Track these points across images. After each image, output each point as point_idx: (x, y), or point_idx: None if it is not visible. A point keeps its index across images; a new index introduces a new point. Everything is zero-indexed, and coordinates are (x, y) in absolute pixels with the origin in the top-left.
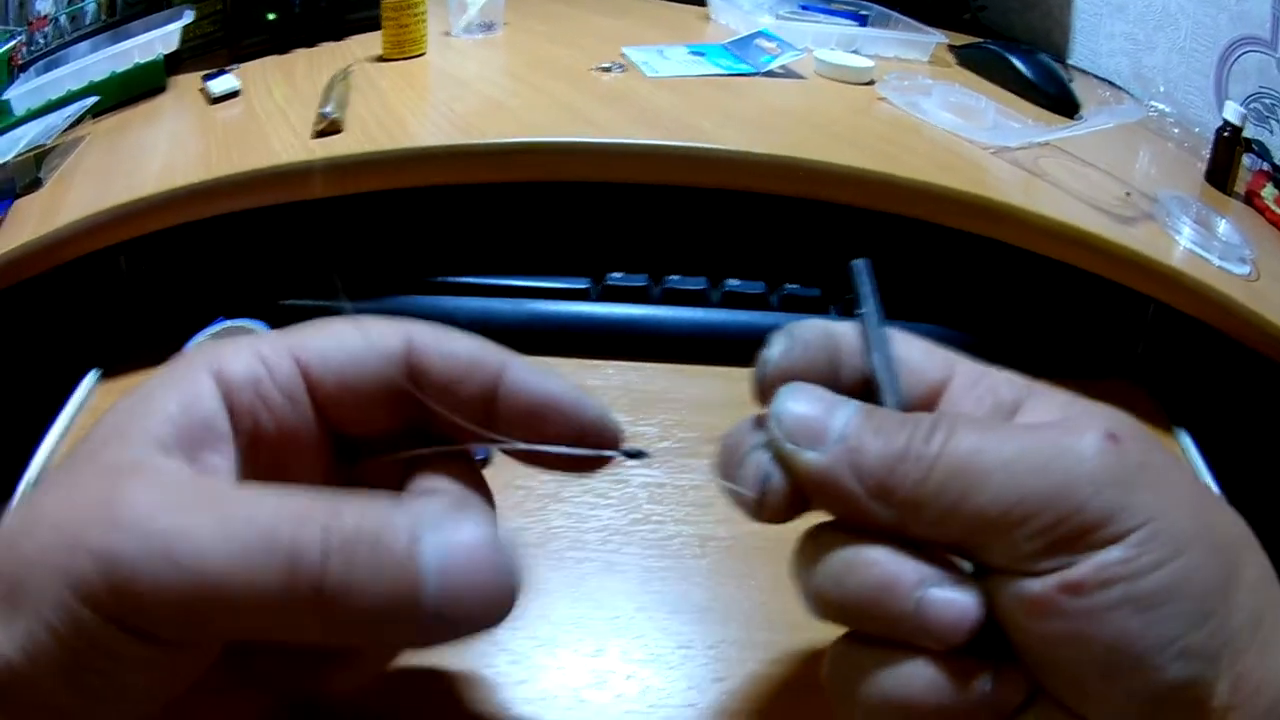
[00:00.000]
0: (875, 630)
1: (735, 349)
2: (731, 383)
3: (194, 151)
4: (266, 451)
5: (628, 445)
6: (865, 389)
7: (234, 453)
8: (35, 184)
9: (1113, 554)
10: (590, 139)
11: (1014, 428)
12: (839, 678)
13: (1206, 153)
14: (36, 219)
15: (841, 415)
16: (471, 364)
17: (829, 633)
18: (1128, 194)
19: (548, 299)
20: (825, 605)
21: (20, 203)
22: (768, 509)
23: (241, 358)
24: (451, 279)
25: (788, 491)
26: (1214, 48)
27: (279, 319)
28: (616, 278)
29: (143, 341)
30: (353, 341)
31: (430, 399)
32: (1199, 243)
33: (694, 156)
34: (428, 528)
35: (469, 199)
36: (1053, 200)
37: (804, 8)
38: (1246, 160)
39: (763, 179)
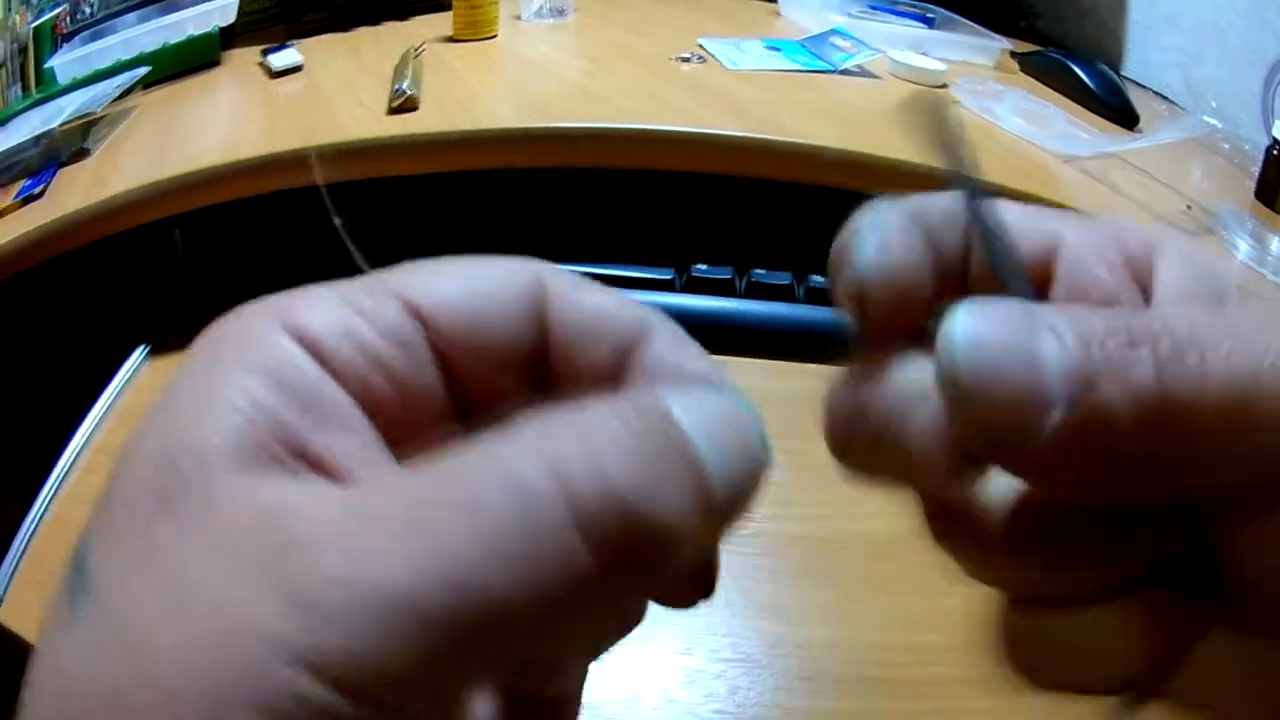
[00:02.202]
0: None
1: (821, 345)
2: (818, 378)
3: (257, 125)
4: (386, 425)
5: None
6: (964, 259)
7: (366, 424)
8: (82, 153)
9: None
10: (686, 128)
11: (1256, 320)
12: (1027, 649)
13: (1255, 169)
14: (85, 188)
15: (1050, 354)
16: (604, 319)
17: (914, 633)
18: (1188, 207)
19: (631, 289)
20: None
21: (66, 171)
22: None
23: (321, 307)
24: None
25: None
26: (1262, 65)
27: None
28: (701, 269)
29: (194, 318)
30: (474, 274)
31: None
32: (1254, 258)
33: (786, 150)
34: (672, 399)
35: (545, 183)
36: (1121, 211)
37: (872, 7)
38: None
39: (848, 176)
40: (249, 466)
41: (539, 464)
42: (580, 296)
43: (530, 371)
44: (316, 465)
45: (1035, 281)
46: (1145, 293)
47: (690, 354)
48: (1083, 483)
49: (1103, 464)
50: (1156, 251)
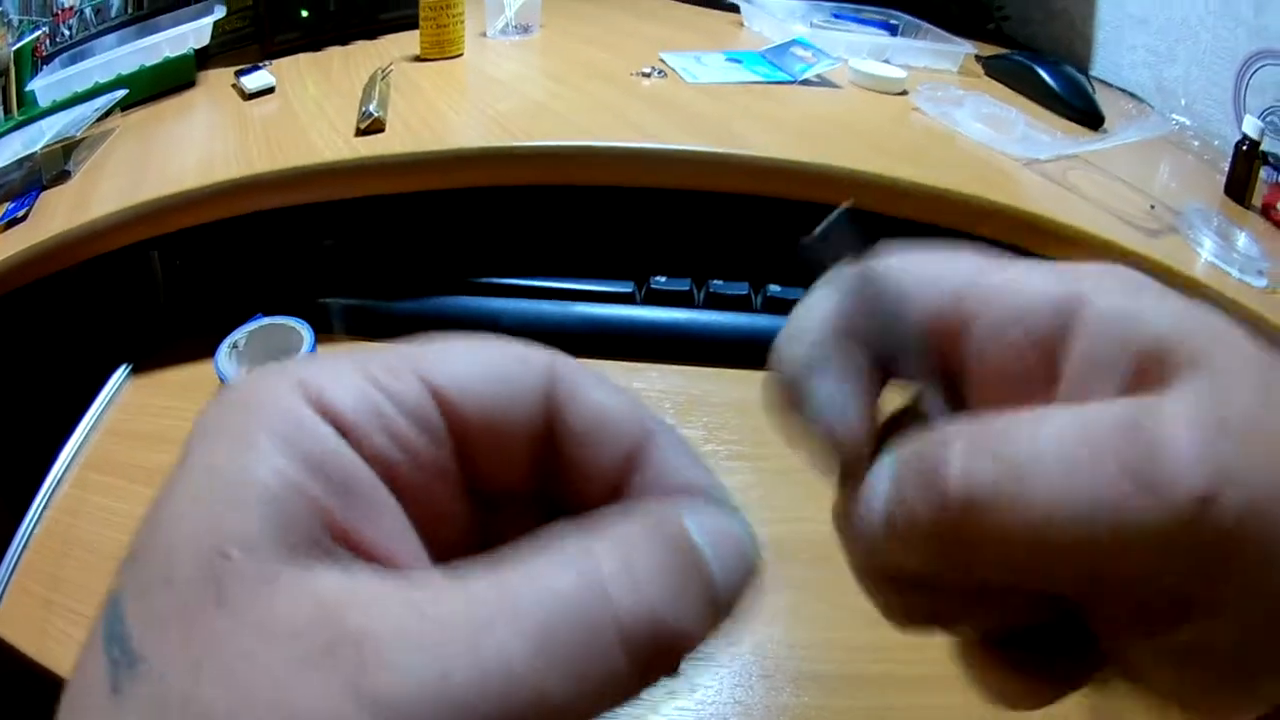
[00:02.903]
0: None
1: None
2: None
3: (232, 146)
4: (408, 504)
5: None
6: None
7: (397, 506)
8: (63, 176)
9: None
10: (643, 144)
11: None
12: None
13: (1225, 165)
14: (66, 211)
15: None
16: (611, 422)
17: (865, 632)
18: (1152, 207)
19: (592, 302)
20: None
21: (48, 194)
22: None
23: (346, 380)
24: (496, 280)
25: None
26: (1233, 61)
27: (317, 317)
28: (660, 282)
29: (174, 337)
30: (492, 359)
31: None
32: (1220, 255)
33: (742, 164)
34: (687, 516)
35: (509, 200)
36: (1082, 213)
37: (836, 16)
38: (1264, 174)
39: (808, 187)
40: (297, 555)
41: (585, 580)
42: (589, 394)
43: (538, 459)
44: (359, 550)
45: (943, 335)
46: (1053, 364)
47: (694, 464)
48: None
49: (919, 553)
50: (1073, 320)
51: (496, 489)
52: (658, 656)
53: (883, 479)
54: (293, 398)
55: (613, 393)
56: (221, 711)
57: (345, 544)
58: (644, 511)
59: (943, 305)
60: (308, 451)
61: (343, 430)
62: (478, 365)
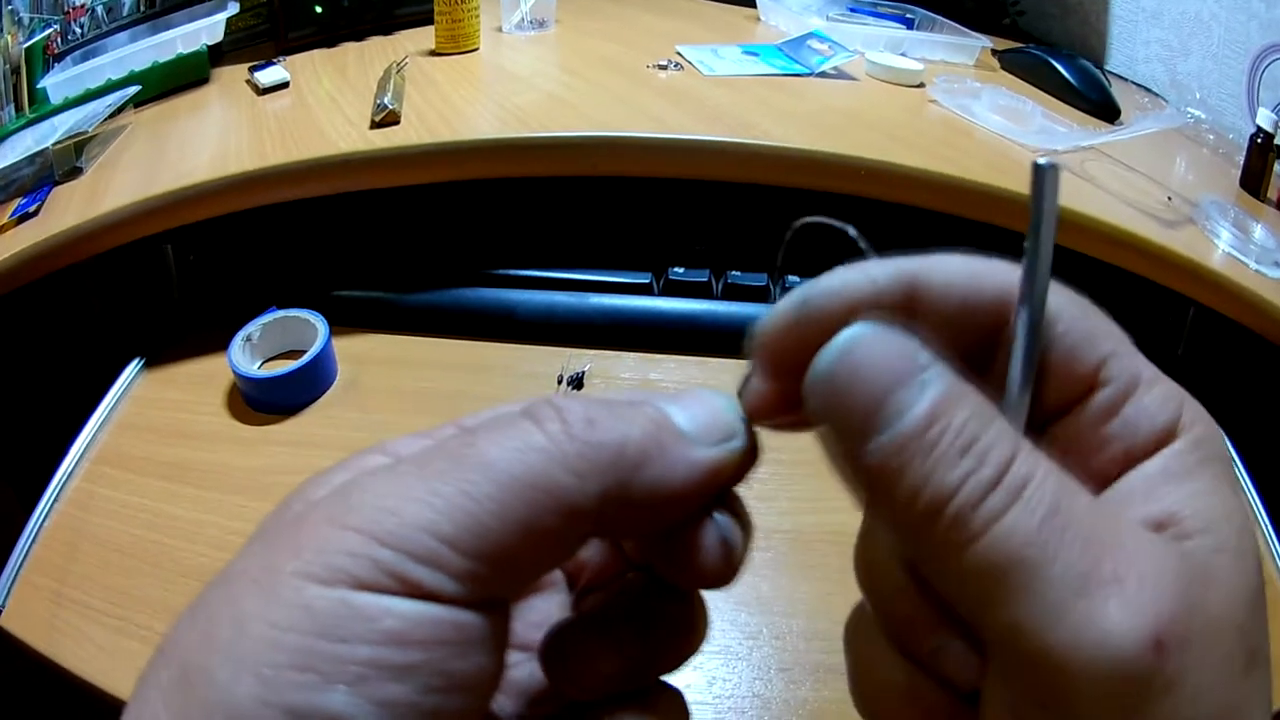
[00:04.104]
0: (890, 630)
1: None
2: None
3: (246, 140)
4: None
5: None
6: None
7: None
8: (75, 171)
9: None
10: (661, 135)
11: (1084, 535)
12: (850, 645)
13: (1240, 158)
14: (79, 206)
15: (905, 401)
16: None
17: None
18: (1169, 198)
19: (610, 293)
20: (862, 585)
21: (60, 190)
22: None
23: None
24: (513, 272)
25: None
26: (1246, 55)
27: (333, 310)
28: (678, 273)
29: (187, 330)
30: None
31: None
32: (1237, 247)
33: (760, 154)
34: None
35: (525, 192)
36: (1100, 203)
37: (852, 10)
38: (1278, 166)
39: (826, 178)
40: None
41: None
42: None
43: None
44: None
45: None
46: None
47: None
48: (874, 510)
49: (890, 513)
50: (1168, 446)
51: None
52: (602, 458)
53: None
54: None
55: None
56: (243, 557)
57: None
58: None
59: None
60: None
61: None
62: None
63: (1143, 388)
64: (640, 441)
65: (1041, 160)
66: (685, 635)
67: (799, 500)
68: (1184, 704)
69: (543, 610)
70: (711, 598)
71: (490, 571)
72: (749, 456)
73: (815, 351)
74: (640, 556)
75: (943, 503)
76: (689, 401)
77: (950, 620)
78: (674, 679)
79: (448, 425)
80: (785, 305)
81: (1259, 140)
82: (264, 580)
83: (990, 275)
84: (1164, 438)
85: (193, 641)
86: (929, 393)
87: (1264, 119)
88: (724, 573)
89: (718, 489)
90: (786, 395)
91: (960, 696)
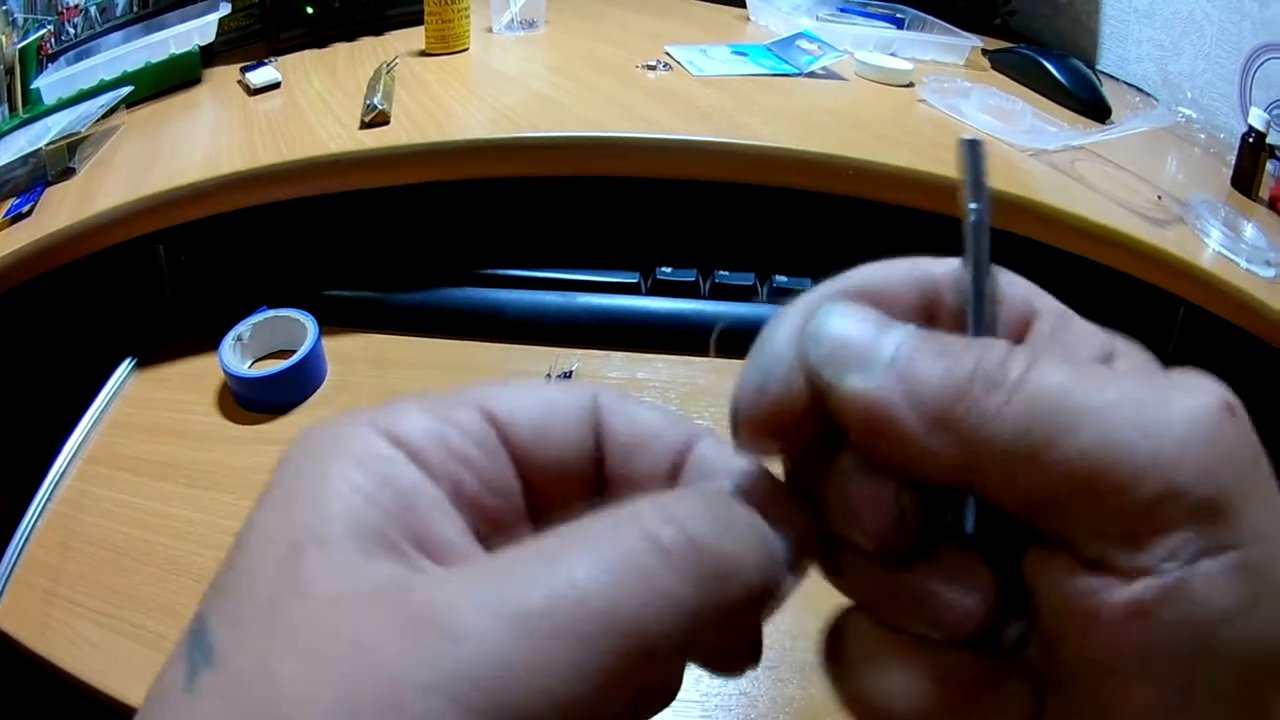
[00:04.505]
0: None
1: None
2: None
3: (238, 140)
4: (473, 517)
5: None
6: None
7: (460, 518)
8: (68, 172)
9: (1208, 568)
10: (650, 135)
11: (1109, 371)
12: (839, 658)
13: (1232, 158)
14: (71, 206)
15: (894, 337)
16: (655, 433)
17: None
18: (1159, 198)
19: (598, 293)
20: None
21: (53, 190)
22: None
23: (411, 416)
24: (502, 272)
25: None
26: (1238, 54)
27: (322, 310)
28: (666, 273)
29: (178, 330)
30: (540, 390)
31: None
32: (1227, 246)
33: (749, 154)
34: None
35: (514, 192)
36: (1089, 202)
37: (842, 10)
38: (1270, 166)
39: (814, 177)
40: (368, 550)
41: (628, 514)
42: (631, 410)
43: (589, 479)
44: (423, 549)
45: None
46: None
47: (734, 452)
48: (894, 453)
49: (910, 436)
50: (1116, 354)
51: (555, 503)
52: (706, 576)
53: (884, 350)
54: (367, 431)
55: (653, 409)
56: (296, 679)
57: (413, 544)
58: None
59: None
60: (379, 471)
61: (411, 454)
62: (528, 395)
63: (1071, 317)
64: (757, 578)
65: (966, 137)
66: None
67: None
68: (1261, 464)
69: None
70: None
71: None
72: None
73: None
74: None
75: (968, 378)
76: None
77: (956, 554)
78: None
79: (464, 404)
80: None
81: (1251, 139)
82: (377, 685)
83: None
84: (1107, 356)
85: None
86: (909, 329)
87: (1256, 118)
88: (752, 667)
89: None
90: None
91: (983, 651)
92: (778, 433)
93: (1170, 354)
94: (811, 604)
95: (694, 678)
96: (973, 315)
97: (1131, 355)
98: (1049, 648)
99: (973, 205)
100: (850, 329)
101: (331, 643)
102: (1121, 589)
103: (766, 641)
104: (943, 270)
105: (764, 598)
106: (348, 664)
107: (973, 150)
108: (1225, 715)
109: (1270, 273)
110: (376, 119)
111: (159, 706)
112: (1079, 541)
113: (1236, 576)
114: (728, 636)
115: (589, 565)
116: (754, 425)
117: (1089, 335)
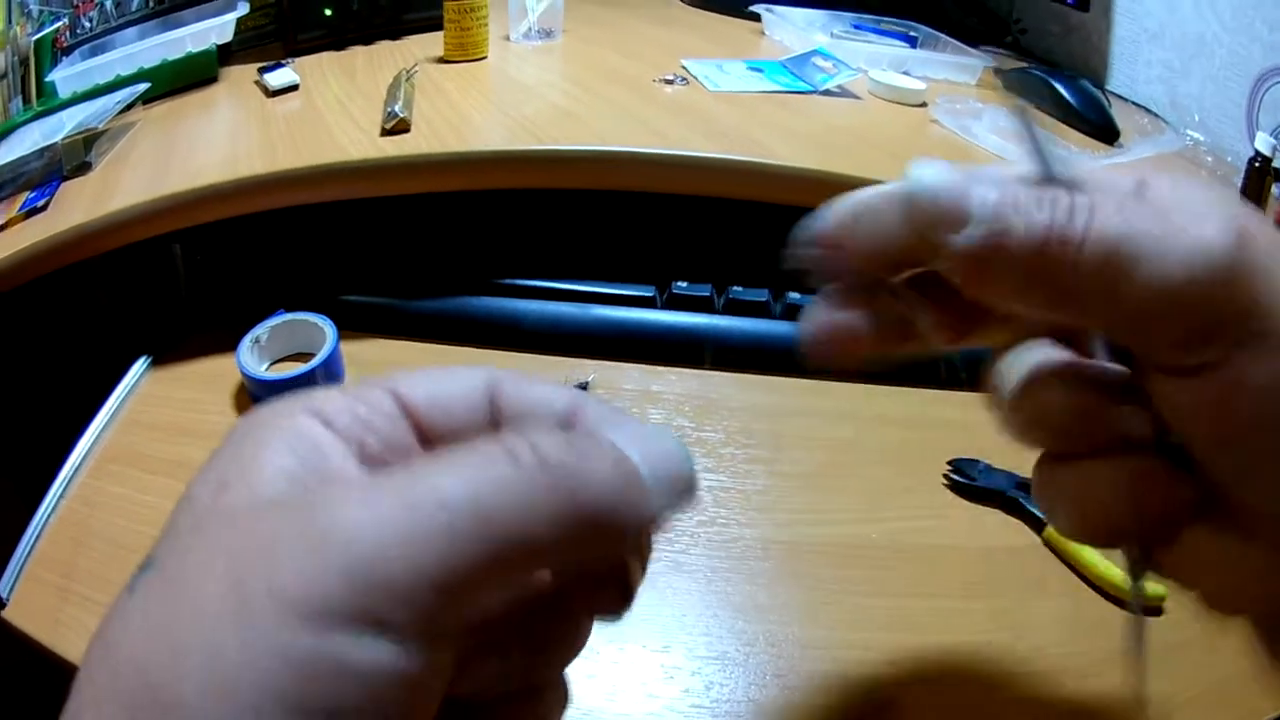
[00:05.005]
0: (1070, 447)
1: (796, 360)
2: (790, 392)
3: (256, 143)
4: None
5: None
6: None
7: (360, 468)
8: (84, 167)
9: (1258, 356)
10: (666, 150)
11: (1151, 210)
12: (1045, 493)
13: (1239, 181)
14: (88, 202)
15: (980, 192)
16: (545, 400)
17: (880, 634)
18: None
19: (614, 305)
20: (1022, 430)
21: (69, 185)
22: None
23: (332, 396)
24: (518, 282)
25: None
26: (1247, 78)
27: (340, 314)
28: (681, 287)
29: (194, 330)
30: (441, 371)
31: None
32: None
33: (764, 172)
34: (608, 431)
35: (532, 203)
36: None
37: (856, 27)
38: (1276, 190)
39: (828, 197)
40: (282, 485)
41: (498, 445)
42: (520, 382)
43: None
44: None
45: None
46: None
47: (624, 419)
48: (998, 293)
49: (1008, 278)
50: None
51: None
52: (559, 485)
53: (978, 198)
54: (294, 407)
55: (542, 381)
56: (196, 565)
57: (320, 483)
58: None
59: None
60: (301, 435)
61: (325, 421)
62: (429, 374)
63: (1103, 173)
64: (607, 492)
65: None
66: (568, 649)
67: (796, 512)
68: (1267, 278)
69: None
70: (710, 604)
71: (460, 611)
72: (690, 503)
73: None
74: (549, 582)
75: (1044, 233)
76: (650, 449)
77: (1109, 392)
78: (675, 683)
79: (377, 389)
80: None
81: (1257, 164)
82: (237, 604)
83: None
84: (1141, 185)
85: (156, 656)
86: (992, 183)
87: (1262, 143)
88: (620, 607)
89: (656, 530)
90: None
91: (1157, 454)
92: (866, 260)
93: None
94: (818, 616)
95: (704, 684)
96: (1039, 162)
97: (1158, 179)
98: (1196, 446)
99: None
100: (940, 187)
101: (234, 537)
102: (1209, 382)
103: (776, 652)
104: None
105: (617, 520)
106: (243, 550)
107: (1024, 114)
108: None
109: None
110: (398, 126)
111: (110, 611)
112: (1163, 354)
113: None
114: (590, 561)
115: (454, 472)
116: (837, 250)
117: (1122, 178)
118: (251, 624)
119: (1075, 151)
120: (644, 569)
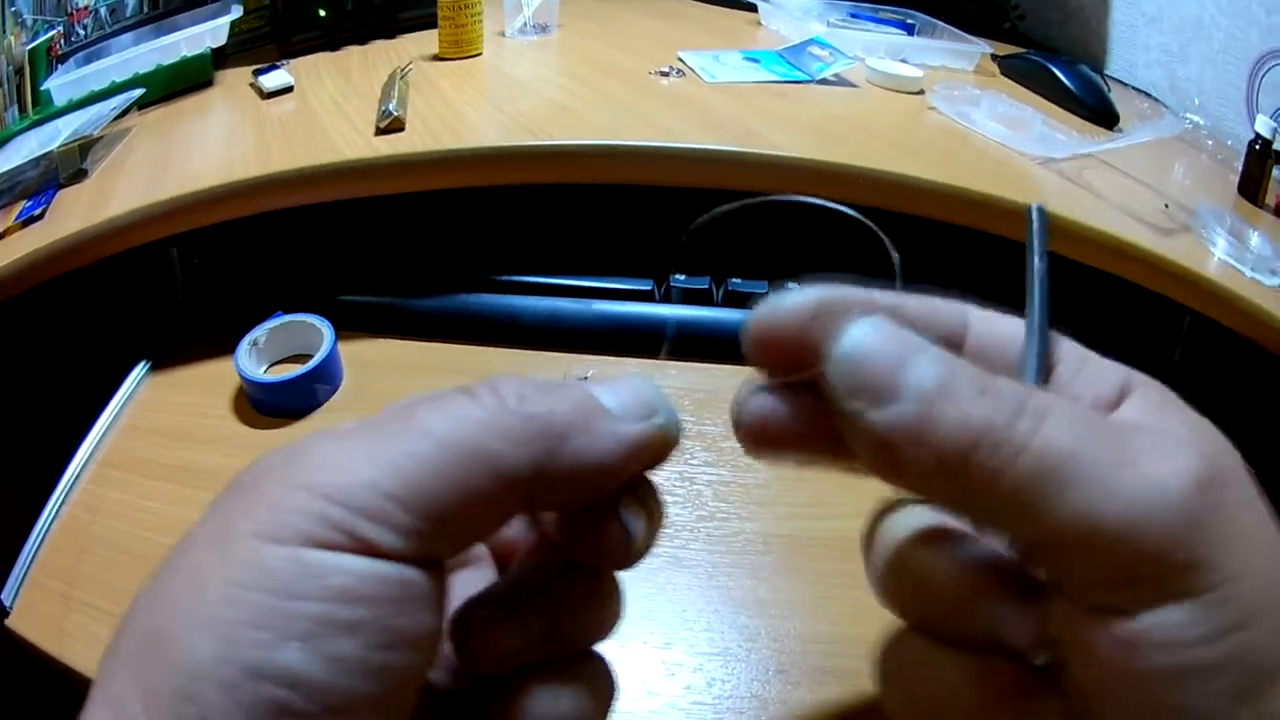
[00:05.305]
0: (938, 629)
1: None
2: None
3: (251, 145)
4: None
5: None
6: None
7: None
8: (80, 174)
9: (1174, 615)
10: (663, 143)
11: (1106, 429)
12: (889, 666)
13: (1239, 165)
14: (84, 209)
15: (919, 368)
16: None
17: (881, 628)
18: (1166, 206)
19: (612, 299)
20: (890, 596)
21: (65, 193)
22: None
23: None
24: (516, 278)
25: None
26: (1246, 61)
27: (338, 314)
28: (680, 280)
29: (193, 334)
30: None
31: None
32: (1232, 254)
33: (762, 163)
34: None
35: (529, 198)
36: (1097, 212)
37: (853, 15)
38: (1276, 173)
39: (827, 187)
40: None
41: (466, 394)
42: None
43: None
44: None
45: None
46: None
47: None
48: (904, 484)
49: (921, 472)
50: (1129, 394)
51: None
52: (529, 420)
53: (917, 373)
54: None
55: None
56: (200, 527)
57: None
58: None
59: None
60: None
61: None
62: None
63: (1090, 358)
64: (568, 415)
65: (1035, 204)
66: (593, 612)
67: (798, 506)
68: (1232, 530)
69: (472, 584)
70: (711, 600)
71: (430, 529)
72: (670, 434)
73: (813, 347)
74: (556, 536)
75: (979, 433)
76: (614, 383)
77: (998, 584)
78: (676, 680)
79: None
80: (796, 301)
81: (1257, 147)
82: (220, 541)
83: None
84: (1123, 393)
85: (154, 606)
86: (936, 359)
87: (1262, 125)
88: (624, 555)
89: (642, 465)
90: (788, 408)
91: (1021, 664)
92: (778, 361)
93: (1175, 362)
94: (820, 611)
95: (706, 680)
96: (1033, 358)
97: (1145, 394)
98: (1070, 675)
99: (1037, 263)
100: (876, 352)
101: (229, 497)
102: (1112, 628)
103: (778, 647)
104: (978, 315)
105: (583, 442)
106: (234, 502)
107: (1040, 216)
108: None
109: (1275, 281)
110: (392, 125)
111: None
112: (1073, 585)
113: (1204, 614)
114: (574, 496)
115: (434, 413)
116: (757, 350)
117: (1107, 372)
118: (231, 554)
119: (1076, 136)
120: (653, 518)
